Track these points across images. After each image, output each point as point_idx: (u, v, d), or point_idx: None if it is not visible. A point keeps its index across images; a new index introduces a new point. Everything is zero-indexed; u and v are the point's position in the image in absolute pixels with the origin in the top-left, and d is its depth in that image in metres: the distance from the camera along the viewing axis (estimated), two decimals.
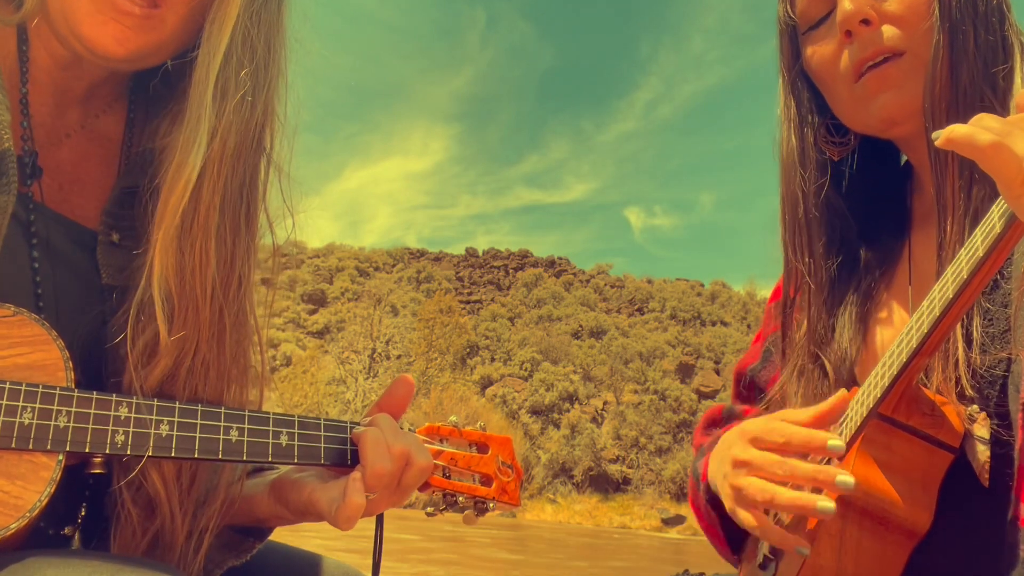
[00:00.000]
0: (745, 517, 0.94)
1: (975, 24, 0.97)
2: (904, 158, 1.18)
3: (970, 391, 0.90)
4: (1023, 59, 0.99)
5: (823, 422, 0.92)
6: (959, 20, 0.97)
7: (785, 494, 0.88)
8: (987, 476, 0.87)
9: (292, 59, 0.99)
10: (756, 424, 0.96)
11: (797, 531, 0.95)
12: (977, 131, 0.68)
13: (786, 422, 0.93)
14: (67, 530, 0.85)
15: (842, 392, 0.93)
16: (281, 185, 0.99)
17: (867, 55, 1.00)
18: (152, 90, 1.02)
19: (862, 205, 1.15)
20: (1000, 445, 0.87)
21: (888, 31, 0.99)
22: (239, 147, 0.92)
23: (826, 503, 0.85)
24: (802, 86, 1.13)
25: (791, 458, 0.90)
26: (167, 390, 0.89)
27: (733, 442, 0.98)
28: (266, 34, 0.94)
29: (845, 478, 0.85)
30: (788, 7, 1.11)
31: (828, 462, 0.99)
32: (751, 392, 1.31)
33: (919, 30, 0.99)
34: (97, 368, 0.92)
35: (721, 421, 1.33)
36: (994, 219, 0.74)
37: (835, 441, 0.87)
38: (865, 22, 0.99)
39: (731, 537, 1.19)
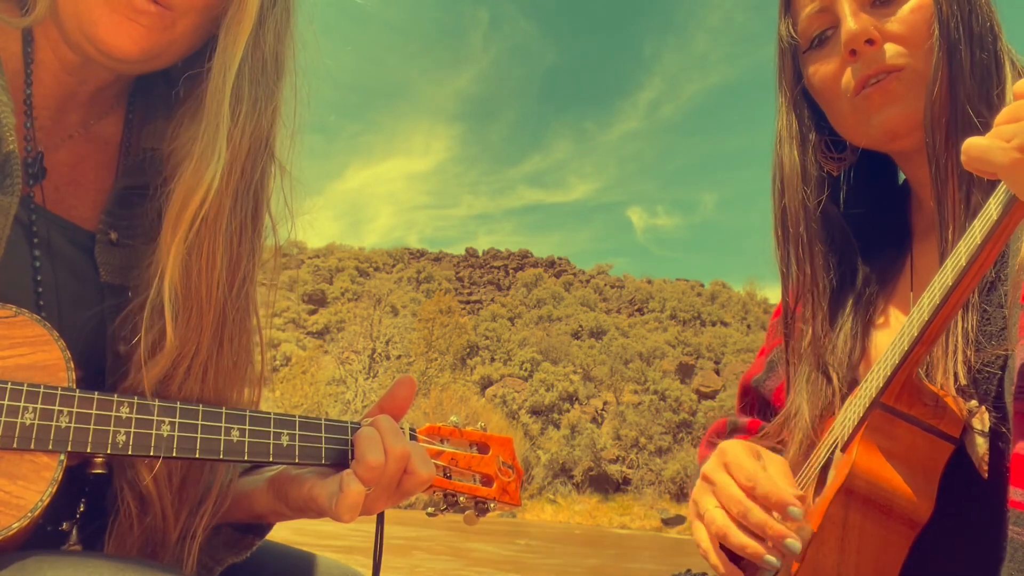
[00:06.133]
0: (699, 533, 0.98)
1: (971, 44, 1.01)
2: (902, 177, 1.20)
3: (969, 387, 0.92)
4: (1013, 76, 1.02)
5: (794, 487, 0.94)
6: (956, 40, 1.00)
7: (737, 537, 0.92)
8: (986, 468, 0.89)
9: (298, 60, 1.01)
10: (735, 451, 0.98)
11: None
12: (994, 152, 0.71)
13: (760, 466, 0.96)
14: (65, 526, 0.85)
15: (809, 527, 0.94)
16: (283, 186, 1.01)
17: (871, 72, 1.04)
18: (155, 94, 1.04)
19: (863, 220, 1.17)
20: (998, 438, 0.89)
21: (891, 50, 1.03)
22: (251, 151, 0.94)
23: (772, 559, 0.88)
24: (803, 104, 1.16)
25: (749, 501, 0.92)
26: (165, 389, 0.90)
27: (711, 459, 1.01)
28: (276, 41, 0.96)
29: (793, 543, 0.87)
30: (790, 26, 1.13)
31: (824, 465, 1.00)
32: (756, 403, 1.33)
33: (920, 49, 1.02)
34: (98, 367, 0.93)
35: (725, 434, 1.34)
36: (991, 207, 0.77)
37: (796, 509, 0.89)
38: (869, 42, 1.03)
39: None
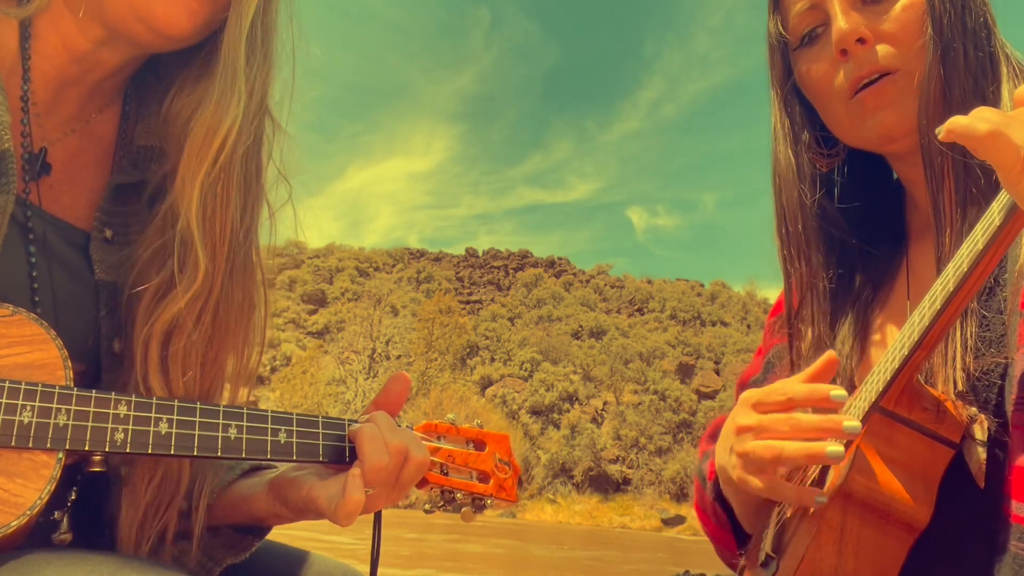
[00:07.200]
0: (754, 481, 0.94)
1: (964, 41, 0.99)
2: (895, 175, 1.19)
3: (968, 394, 0.91)
4: (1009, 72, 1.01)
5: (818, 380, 0.93)
6: (950, 38, 0.98)
7: (793, 446, 0.89)
8: (983, 478, 0.88)
9: (292, 40, 1.04)
10: (755, 391, 0.97)
11: (799, 525, 0.96)
12: (976, 121, 0.70)
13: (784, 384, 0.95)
14: (56, 515, 0.85)
15: (830, 352, 0.94)
16: (279, 148, 1.04)
17: (863, 73, 1.02)
18: (148, 89, 1.04)
19: (858, 219, 1.17)
20: (997, 446, 0.88)
21: (883, 50, 1.01)
22: (260, 102, 0.97)
23: (835, 448, 0.86)
24: (794, 101, 1.15)
25: (794, 413, 0.91)
26: (175, 341, 0.92)
27: (735, 414, 0.99)
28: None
29: (852, 423, 0.86)
30: (779, 23, 1.12)
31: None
32: None
33: (913, 48, 1.00)
34: (94, 365, 0.93)
35: None
36: (994, 213, 0.76)
37: (838, 391, 0.88)
38: (861, 41, 1.01)
39: (738, 536, 1.20)
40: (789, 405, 0.91)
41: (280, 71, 1.01)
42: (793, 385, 0.92)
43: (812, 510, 0.92)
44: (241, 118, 0.94)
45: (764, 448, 0.91)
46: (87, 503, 0.91)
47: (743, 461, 0.95)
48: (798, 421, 0.89)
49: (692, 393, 56.68)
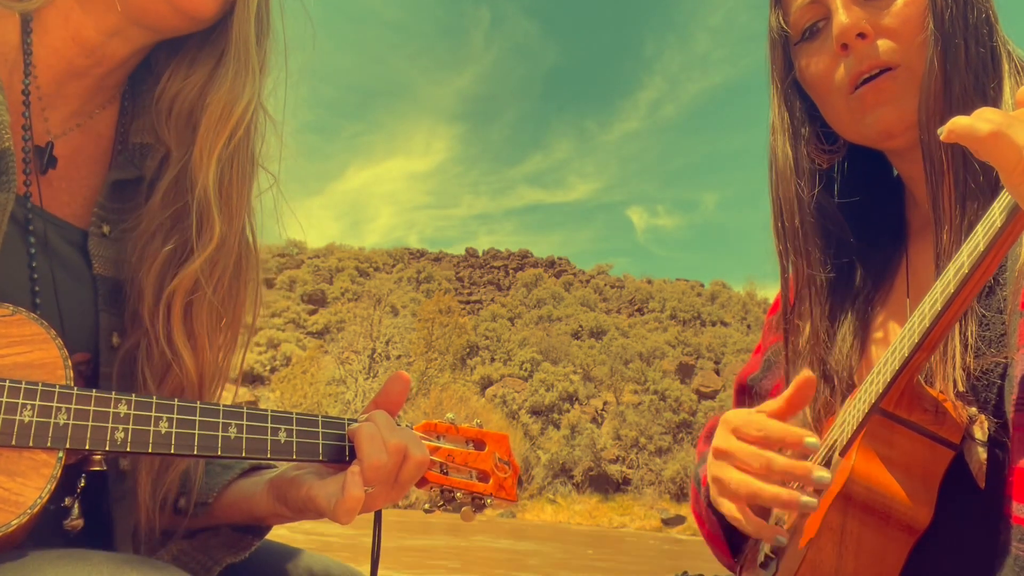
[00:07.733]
0: (727, 507, 0.95)
1: (966, 37, 0.99)
2: (895, 172, 1.19)
3: (968, 393, 0.91)
4: (1010, 68, 1.01)
5: (793, 406, 0.95)
6: (952, 33, 0.98)
7: (768, 490, 0.90)
8: (984, 478, 0.88)
9: (284, 31, 1.08)
10: (738, 415, 0.97)
11: (798, 526, 0.96)
12: (978, 121, 0.70)
13: (763, 414, 0.95)
14: (67, 501, 0.85)
15: (806, 372, 0.96)
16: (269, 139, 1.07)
17: (863, 68, 1.02)
18: (143, 88, 1.05)
19: (857, 214, 1.16)
20: (997, 446, 0.88)
21: (884, 45, 1.01)
22: (264, 84, 1.02)
23: (809, 500, 0.87)
24: (794, 95, 1.15)
25: (768, 451, 0.92)
26: (197, 302, 0.96)
27: (717, 434, 0.99)
28: None
29: (821, 473, 0.87)
30: (780, 17, 1.12)
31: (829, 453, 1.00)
32: (753, 402, 1.32)
33: (914, 43, 1.00)
34: (94, 362, 0.94)
35: None
36: (995, 214, 0.76)
37: (811, 439, 0.89)
38: (861, 36, 1.01)
39: (732, 543, 1.20)
40: (764, 443, 0.93)
41: (274, 60, 1.05)
42: (770, 422, 0.93)
43: (812, 513, 0.92)
44: (258, 95, 0.98)
45: (740, 483, 0.93)
46: (94, 478, 0.92)
47: (718, 486, 0.97)
48: (769, 461, 0.91)
49: (692, 393, 56.69)
